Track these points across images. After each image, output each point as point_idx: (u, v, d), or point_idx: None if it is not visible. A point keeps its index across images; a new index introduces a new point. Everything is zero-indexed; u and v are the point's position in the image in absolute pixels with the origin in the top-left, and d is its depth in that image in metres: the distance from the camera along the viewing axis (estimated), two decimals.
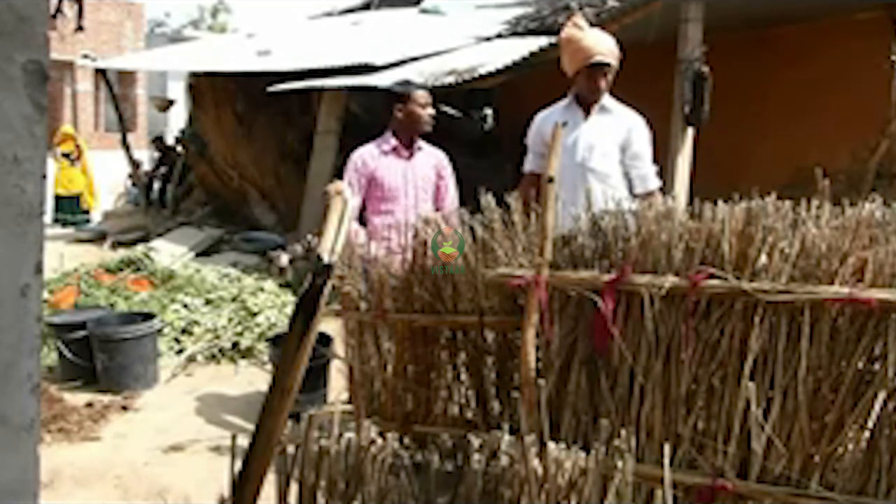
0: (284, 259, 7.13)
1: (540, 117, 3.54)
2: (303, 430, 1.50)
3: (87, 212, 12.13)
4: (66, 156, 12.13)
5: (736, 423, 1.95)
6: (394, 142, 3.73)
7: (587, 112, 3.39)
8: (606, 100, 3.39)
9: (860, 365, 1.86)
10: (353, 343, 2.66)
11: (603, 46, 3.28)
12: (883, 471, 1.84)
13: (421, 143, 3.81)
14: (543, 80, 5.53)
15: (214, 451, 3.68)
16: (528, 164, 3.57)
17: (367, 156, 3.74)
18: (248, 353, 5.15)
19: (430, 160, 3.82)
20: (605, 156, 3.33)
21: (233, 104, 9.59)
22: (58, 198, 11.88)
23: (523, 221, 2.39)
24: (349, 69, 7.36)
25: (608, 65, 3.29)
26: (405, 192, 3.71)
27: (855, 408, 1.86)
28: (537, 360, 2.21)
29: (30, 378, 0.94)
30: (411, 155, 3.76)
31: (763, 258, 1.94)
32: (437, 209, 3.73)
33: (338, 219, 1.27)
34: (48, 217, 10.71)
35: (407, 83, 3.85)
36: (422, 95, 3.70)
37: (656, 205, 3.17)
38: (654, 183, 3.40)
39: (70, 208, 11.95)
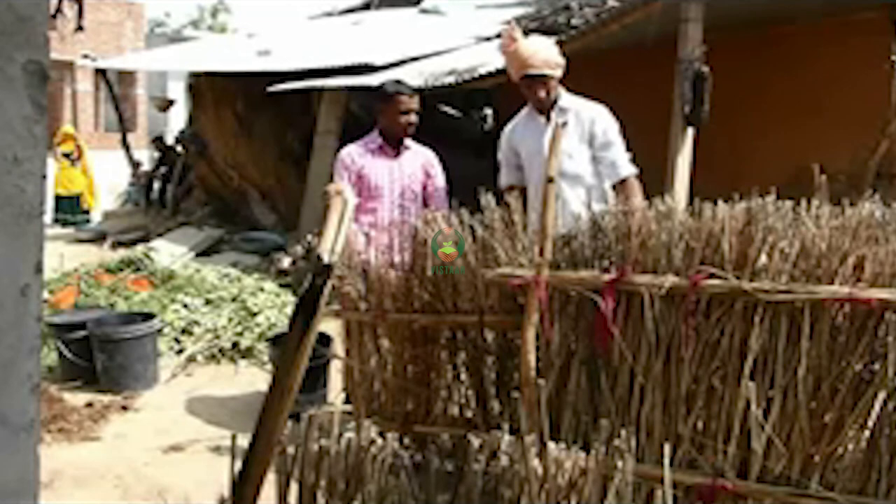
0: (286, 262, 7.13)
1: (507, 130, 3.52)
2: (303, 430, 1.50)
3: (87, 212, 12.13)
4: (66, 156, 12.12)
5: (736, 423, 1.95)
6: (380, 140, 3.73)
7: (547, 117, 3.36)
8: (564, 100, 3.36)
9: (860, 365, 1.86)
10: (352, 343, 2.66)
11: (536, 58, 3.24)
12: (883, 471, 1.84)
13: (409, 142, 3.80)
14: None
15: (214, 451, 3.68)
16: (505, 178, 3.54)
17: (355, 153, 3.75)
18: (248, 354, 5.15)
19: (418, 159, 3.80)
20: (571, 157, 3.29)
21: (233, 104, 9.59)
22: (58, 198, 11.88)
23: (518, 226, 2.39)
24: (349, 69, 7.36)
25: (544, 75, 3.25)
26: (390, 190, 3.70)
27: (855, 408, 1.86)
28: (537, 359, 2.21)
29: (30, 378, 0.94)
30: (398, 154, 3.75)
31: (763, 258, 1.94)
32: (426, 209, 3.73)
33: (338, 219, 1.27)
34: (48, 217, 10.72)
35: (397, 84, 3.81)
36: (404, 101, 3.65)
37: (632, 194, 3.18)
38: (627, 170, 3.31)
39: (70, 208, 11.95)
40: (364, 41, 8.91)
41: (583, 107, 3.38)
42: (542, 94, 3.29)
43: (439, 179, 3.84)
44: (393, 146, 3.74)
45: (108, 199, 12.96)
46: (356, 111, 8.51)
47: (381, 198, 3.68)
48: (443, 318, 2.46)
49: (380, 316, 2.55)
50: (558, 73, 3.29)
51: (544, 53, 3.26)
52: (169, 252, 8.08)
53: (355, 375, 2.63)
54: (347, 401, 2.89)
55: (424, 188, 3.81)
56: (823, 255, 1.90)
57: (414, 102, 3.70)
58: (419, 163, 3.79)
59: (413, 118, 3.69)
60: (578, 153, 3.32)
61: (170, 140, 12.75)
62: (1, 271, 0.90)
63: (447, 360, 2.52)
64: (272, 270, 7.10)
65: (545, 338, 2.20)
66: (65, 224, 11.61)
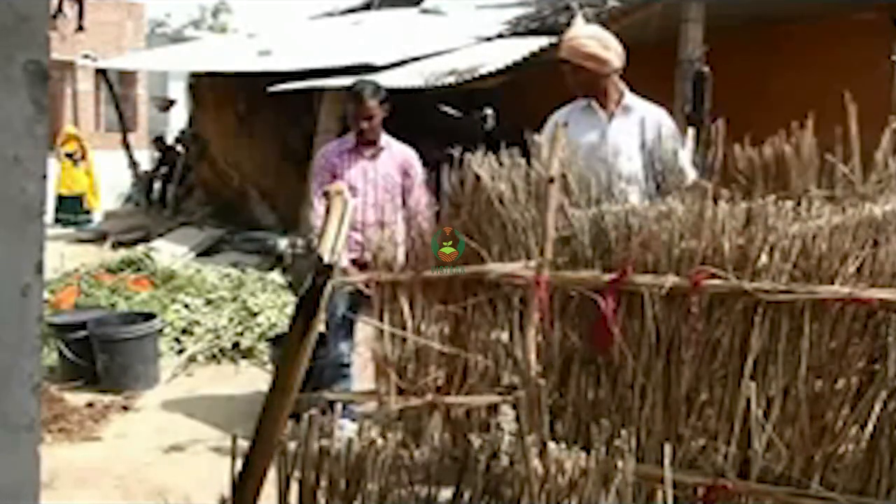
0: (283, 243, 7.11)
1: (558, 119, 3.27)
2: (303, 430, 1.50)
3: (89, 212, 12.15)
4: (69, 156, 12.16)
5: (737, 423, 1.95)
6: (355, 140, 3.73)
7: (610, 114, 3.27)
8: (628, 99, 3.28)
9: (860, 365, 1.86)
10: (385, 308, 2.43)
11: (566, 45, 3.21)
12: (883, 471, 1.84)
13: (388, 140, 3.79)
14: (544, 80, 5.52)
15: (214, 451, 3.68)
16: None
17: (331, 153, 3.76)
18: (248, 354, 5.15)
19: (396, 159, 3.78)
20: (631, 159, 3.19)
21: (233, 104, 9.59)
22: (60, 198, 11.90)
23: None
24: (350, 69, 7.36)
25: (569, 62, 3.19)
26: (364, 191, 3.69)
27: (855, 408, 1.86)
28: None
29: (31, 378, 0.94)
30: (375, 154, 3.75)
31: (763, 258, 1.94)
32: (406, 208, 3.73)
33: (338, 219, 1.28)
34: (48, 217, 10.71)
35: (363, 86, 3.76)
36: (361, 106, 3.65)
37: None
38: (693, 173, 3.17)
39: (73, 208, 11.98)
40: (364, 41, 8.91)
41: (647, 110, 3.29)
42: (570, 80, 3.22)
43: (418, 178, 3.81)
44: (367, 145, 3.73)
45: (109, 199, 12.97)
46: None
47: (355, 198, 3.66)
48: (487, 269, 2.29)
49: (419, 273, 2.36)
50: (591, 65, 3.18)
51: (576, 41, 3.19)
52: (169, 252, 8.09)
53: (387, 344, 2.41)
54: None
55: (403, 188, 3.80)
56: (824, 255, 1.90)
57: (370, 109, 3.66)
58: (397, 163, 3.78)
59: (367, 125, 3.67)
60: (637, 156, 3.22)
61: (170, 140, 12.76)
62: (2, 271, 0.90)
63: (489, 319, 2.34)
64: (270, 260, 7.10)
65: (545, 338, 2.20)
66: (66, 224, 11.62)
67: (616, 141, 3.24)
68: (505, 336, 2.31)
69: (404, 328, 2.40)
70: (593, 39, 3.22)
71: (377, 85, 3.83)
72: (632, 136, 3.25)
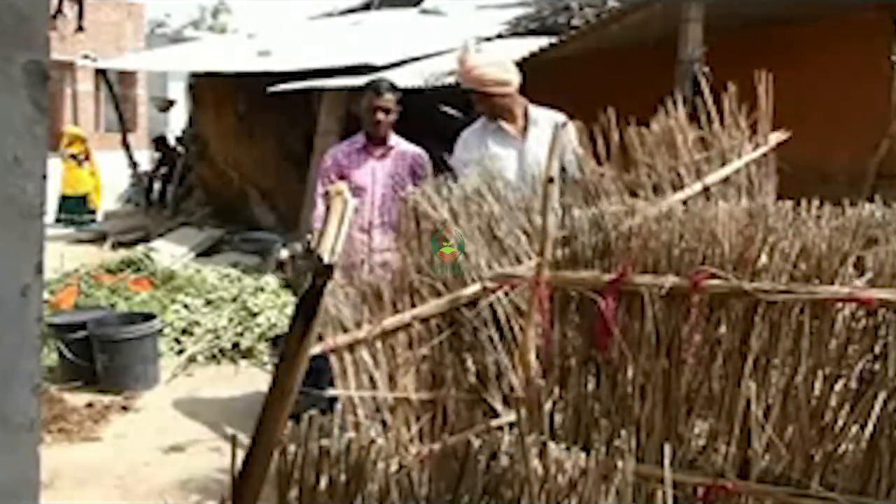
0: (284, 253, 7.12)
1: (470, 137, 3.44)
2: (303, 431, 1.49)
3: (93, 212, 12.19)
4: (73, 157, 12.19)
5: (736, 423, 1.95)
6: (364, 140, 3.72)
7: (521, 129, 3.36)
8: (532, 110, 3.39)
9: (860, 365, 1.86)
10: (347, 372, 2.27)
11: (468, 76, 3.37)
12: (883, 471, 1.84)
13: (397, 140, 3.78)
14: (544, 80, 5.52)
15: (214, 451, 3.68)
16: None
17: (339, 154, 3.76)
18: (248, 354, 5.15)
19: (406, 160, 3.77)
20: (540, 165, 3.29)
21: (233, 105, 9.60)
22: (64, 197, 11.94)
23: None
24: (349, 69, 7.36)
25: (472, 91, 3.36)
26: (371, 191, 3.67)
27: (855, 408, 1.86)
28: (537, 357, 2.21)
29: (30, 378, 0.94)
30: (384, 154, 3.73)
31: (763, 258, 1.95)
32: None
33: (338, 219, 1.28)
34: (50, 217, 10.74)
35: (379, 81, 3.81)
36: (377, 98, 3.66)
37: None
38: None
39: (77, 208, 12.01)
40: (364, 41, 8.91)
41: (549, 116, 3.37)
42: (479, 107, 3.39)
43: (428, 179, 3.80)
44: (377, 145, 3.72)
45: (109, 200, 12.99)
46: (357, 112, 8.50)
47: (362, 198, 3.65)
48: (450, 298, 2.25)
49: (376, 327, 2.25)
50: (496, 90, 3.31)
51: (477, 71, 3.33)
52: (169, 252, 8.09)
53: (360, 411, 2.24)
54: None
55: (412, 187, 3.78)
56: (824, 255, 1.90)
57: (388, 102, 3.67)
58: (406, 163, 3.76)
59: (384, 117, 3.66)
60: (555, 165, 3.29)
61: (171, 140, 12.77)
62: (2, 272, 0.90)
63: (458, 348, 2.30)
64: (270, 262, 7.10)
65: (545, 338, 2.20)
66: (70, 224, 11.65)
67: (534, 152, 3.30)
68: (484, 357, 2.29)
69: (374, 386, 2.28)
70: (492, 66, 3.38)
71: (394, 84, 3.85)
72: (545, 145, 3.27)
